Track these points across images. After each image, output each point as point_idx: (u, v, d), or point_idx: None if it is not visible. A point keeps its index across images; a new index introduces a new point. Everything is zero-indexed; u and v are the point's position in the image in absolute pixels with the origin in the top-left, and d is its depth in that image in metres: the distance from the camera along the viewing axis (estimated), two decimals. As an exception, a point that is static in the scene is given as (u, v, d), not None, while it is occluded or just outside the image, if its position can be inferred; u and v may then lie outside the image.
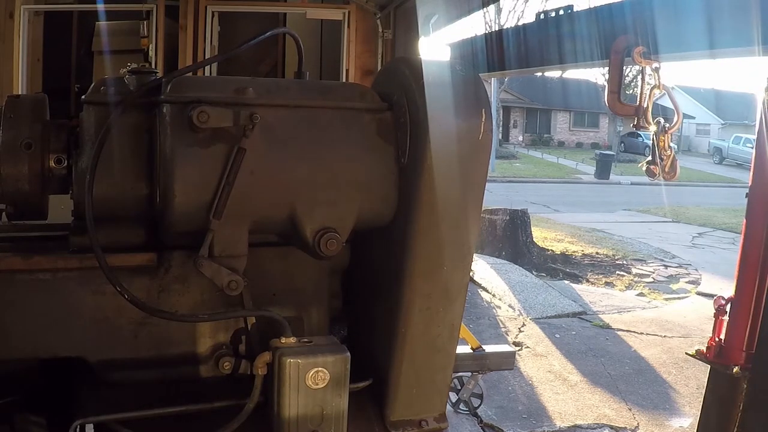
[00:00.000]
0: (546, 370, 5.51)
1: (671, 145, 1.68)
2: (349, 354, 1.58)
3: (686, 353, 2.31)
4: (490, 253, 9.66)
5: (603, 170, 26.80)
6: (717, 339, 2.08)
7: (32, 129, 1.58)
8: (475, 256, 7.11)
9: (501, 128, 38.80)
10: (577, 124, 42.18)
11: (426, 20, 5.01)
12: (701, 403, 2.26)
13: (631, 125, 1.70)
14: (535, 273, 9.03)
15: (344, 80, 6.23)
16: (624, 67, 1.72)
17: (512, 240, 9.96)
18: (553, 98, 40.47)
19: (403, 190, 1.66)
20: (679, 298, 8.02)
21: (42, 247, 1.68)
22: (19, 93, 5.33)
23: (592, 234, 12.63)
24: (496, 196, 15.63)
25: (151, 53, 6.58)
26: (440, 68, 1.70)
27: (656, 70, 1.65)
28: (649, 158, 1.69)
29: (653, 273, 9.50)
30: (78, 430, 1.55)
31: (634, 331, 6.42)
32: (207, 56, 6.39)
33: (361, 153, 1.65)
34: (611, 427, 4.40)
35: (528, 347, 6.12)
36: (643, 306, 7.48)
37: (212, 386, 1.74)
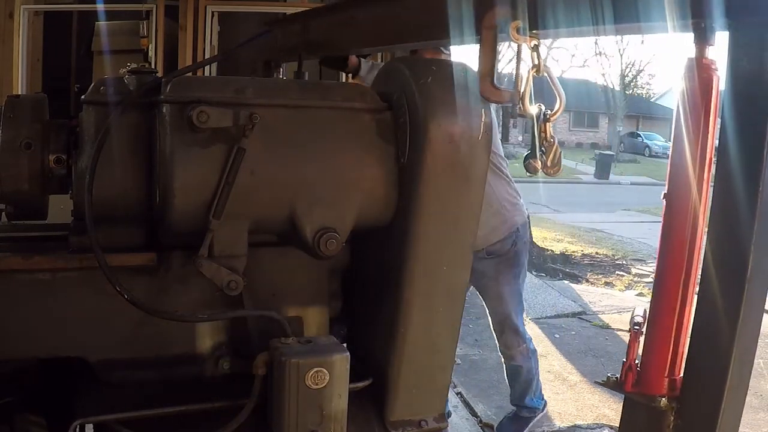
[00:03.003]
0: (546, 370, 5.50)
1: (554, 135, 1.51)
2: (349, 354, 1.58)
3: (596, 381, 1.81)
4: (490, 253, 9.63)
5: (603, 170, 26.79)
6: (632, 363, 1.56)
7: (32, 129, 1.58)
8: (475, 256, 7.08)
9: (501, 128, 38.73)
10: (577, 124, 42.11)
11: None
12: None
13: (509, 113, 1.47)
14: (534, 273, 9.01)
15: (344, 80, 6.23)
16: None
17: (512, 240, 9.92)
18: (552, 98, 40.44)
19: (403, 190, 1.66)
20: (678, 298, 8.00)
21: (42, 247, 1.68)
22: (19, 93, 5.33)
23: (592, 234, 12.61)
24: (496, 196, 15.55)
25: (151, 53, 6.60)
26: (440, 68, 1.70)
27: (535, 48, 1.44)
28: (529, 151, 1.52)
29: (653, 273, 9.48)
30: (78, 430, 1.55)
31: (633, 331, 6.41)
32: (207, 56, 6.40)
33: (360, 153, 1.65)
34: (611, 427, 4.40)
35: (528, 347, 6.11)
36: (642, 306, 7.47)
37: (212, 386, 1.74)
